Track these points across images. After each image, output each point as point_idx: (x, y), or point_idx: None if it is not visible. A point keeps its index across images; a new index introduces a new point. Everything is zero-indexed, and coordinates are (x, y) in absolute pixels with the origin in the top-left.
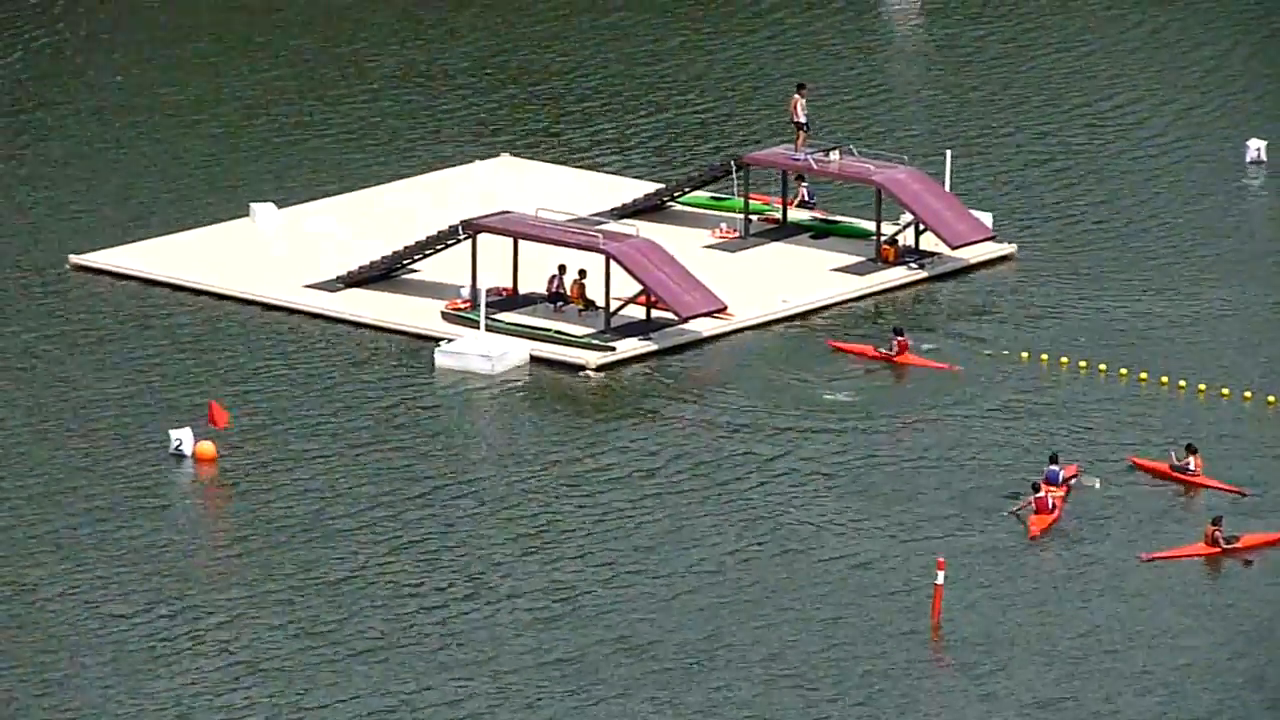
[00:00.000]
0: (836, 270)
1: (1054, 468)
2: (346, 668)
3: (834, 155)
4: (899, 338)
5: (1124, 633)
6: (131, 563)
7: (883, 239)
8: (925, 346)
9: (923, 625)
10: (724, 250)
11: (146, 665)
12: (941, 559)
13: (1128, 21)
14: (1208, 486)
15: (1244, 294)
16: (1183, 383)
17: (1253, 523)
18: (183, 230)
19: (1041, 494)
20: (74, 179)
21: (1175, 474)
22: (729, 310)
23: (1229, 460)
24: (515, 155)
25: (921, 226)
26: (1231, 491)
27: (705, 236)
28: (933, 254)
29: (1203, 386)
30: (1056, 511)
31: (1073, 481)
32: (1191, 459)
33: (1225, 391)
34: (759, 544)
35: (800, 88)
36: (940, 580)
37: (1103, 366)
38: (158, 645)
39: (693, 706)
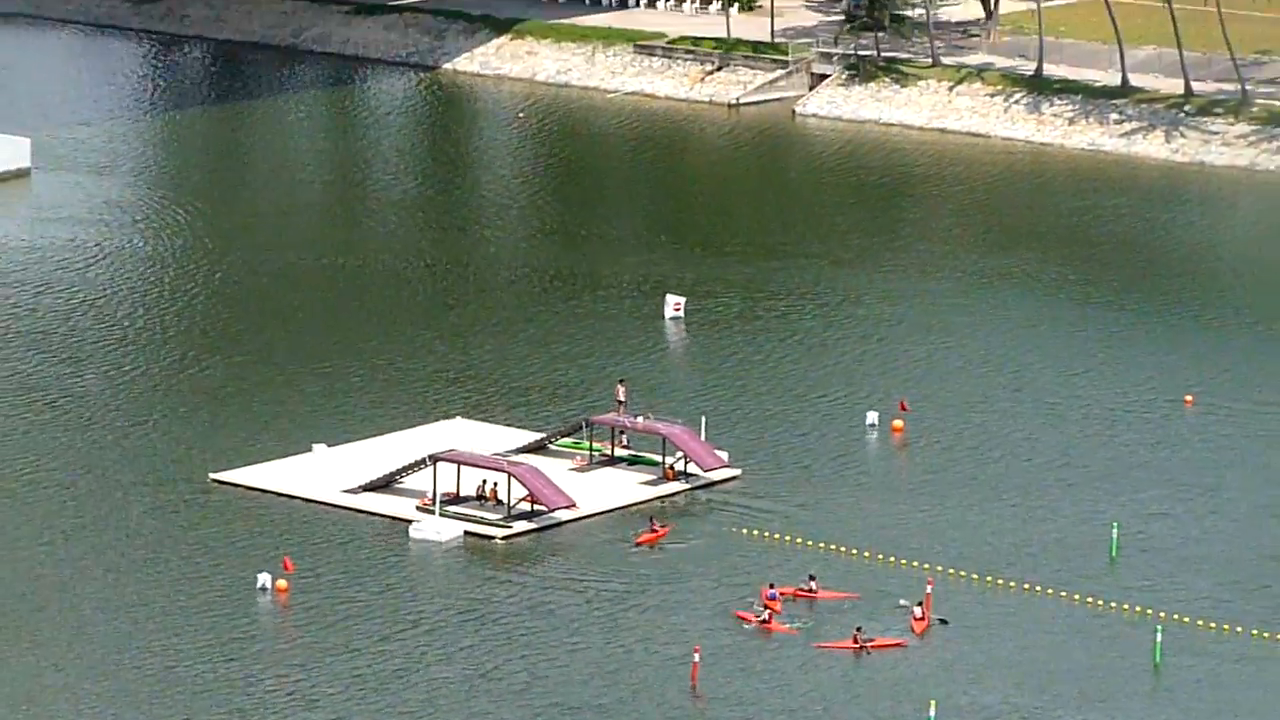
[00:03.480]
0: (641, 483)
1: (772, 590)
2: None
3: (640, 419)
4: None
5: (823, 687)
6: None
7: (666, 465)
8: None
9: (685, 685)
10: (579, 472)
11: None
12: (698, 646)
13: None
14: (830, 598)
15: (886, 499)
16: (853, 550)
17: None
18: (265, 461)
19: (770, 612)
20: (199, 419)
21: (804, 593)
22: (577, 505)
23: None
24: (465, 418)
25: (687, 459)
26: (846, 597)
27: (568, 464)
28: (693, 475)
29: (866, 550)
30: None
31: (811, 586)
32: (814, 583)
33: (885, 557)
34: (604, 643)
35: (621, 381)
36: (697, 659)
37: (787, 538)
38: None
39: None
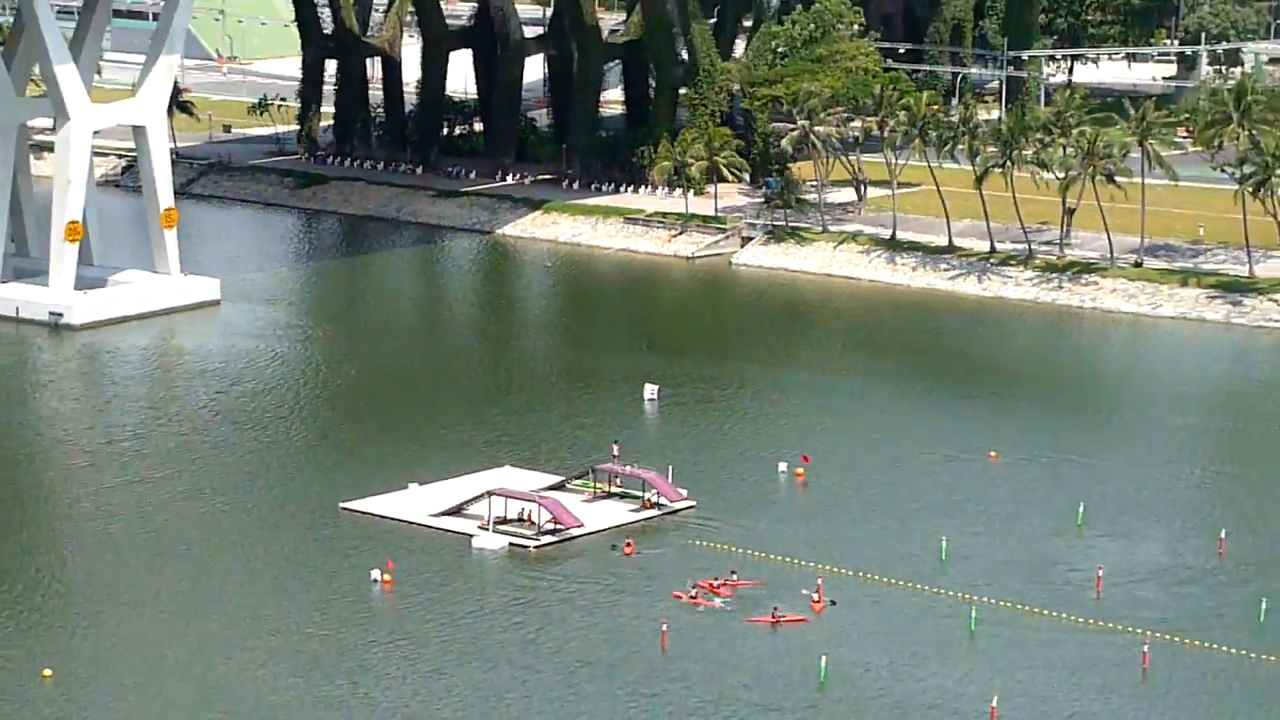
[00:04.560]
0: (628, 511)
1: (717, 580)
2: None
3: (628, 468)
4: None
5: (755, 654)
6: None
7: (645, 499)
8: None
9: (657, 647)
10: (588, 504)
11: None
12: (666, 621)
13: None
14: (746, 584)
15: (792, 522)
16: (770, 555)
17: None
18: (377, 494)
19: (697, 590)
20: (333, 465)
21: (728, 582)
22: (585, 525)
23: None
24: (512, 466)
25: (658, 494)
26: (755, 584)
27: (579, 497)
28: (663, 505)
29: (780, 555)
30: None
31: (732, 575)
32: (735, 575)
33: (793, 560)
34: (606, 618)
35: (615, 442)
36: (665, 630)
37: (726, 547)
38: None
39: None
